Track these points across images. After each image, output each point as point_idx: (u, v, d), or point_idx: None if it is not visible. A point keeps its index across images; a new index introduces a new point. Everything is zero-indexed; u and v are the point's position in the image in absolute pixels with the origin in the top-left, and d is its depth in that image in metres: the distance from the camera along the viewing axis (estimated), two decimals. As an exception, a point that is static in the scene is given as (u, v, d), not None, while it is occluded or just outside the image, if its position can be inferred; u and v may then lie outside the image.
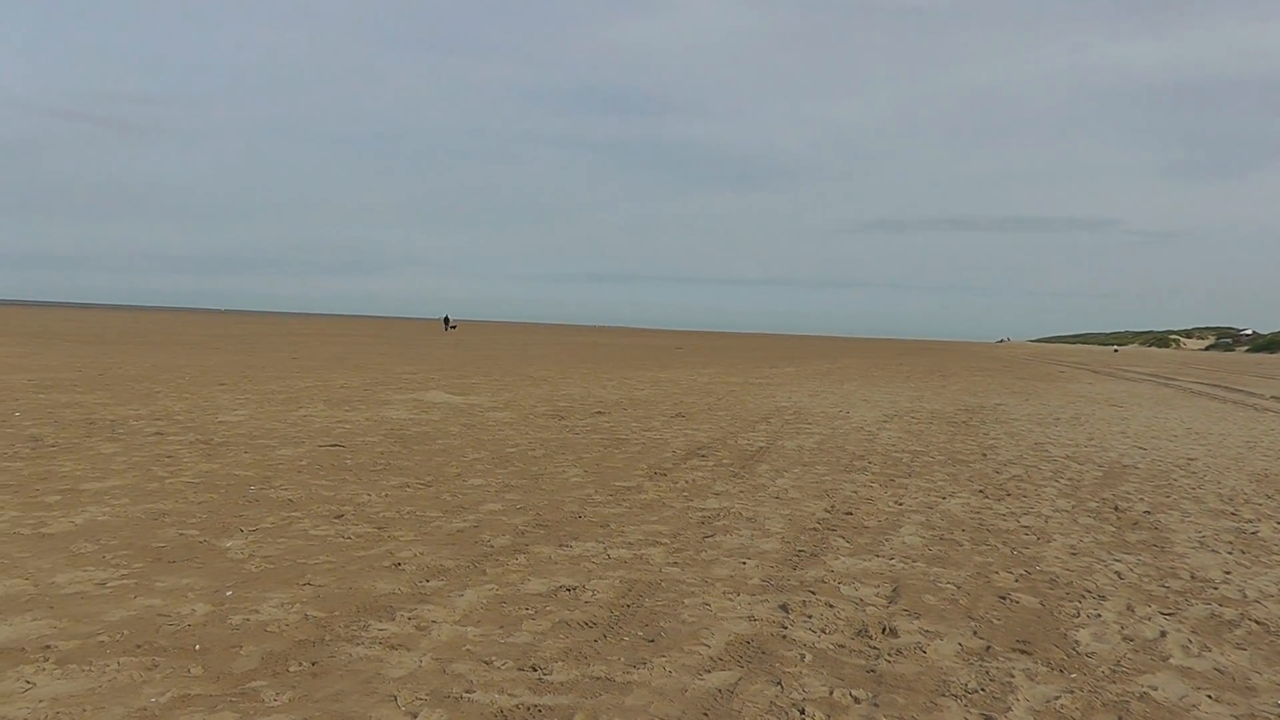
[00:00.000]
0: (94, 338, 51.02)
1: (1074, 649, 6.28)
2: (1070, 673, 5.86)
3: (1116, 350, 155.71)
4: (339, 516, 9.21)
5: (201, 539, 8.17)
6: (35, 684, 5.08)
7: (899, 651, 6.08)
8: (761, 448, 15.35)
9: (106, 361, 30.52)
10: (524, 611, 6.55)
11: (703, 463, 13.50)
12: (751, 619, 6.59)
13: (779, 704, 5.23)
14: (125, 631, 5.88)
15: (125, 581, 6.88)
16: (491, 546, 8.27)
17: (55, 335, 52.12)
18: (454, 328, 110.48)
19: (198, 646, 5.69)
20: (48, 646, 5.59)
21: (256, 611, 6.36)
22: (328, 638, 5.93)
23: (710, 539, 8.84)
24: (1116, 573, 8.18)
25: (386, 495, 10.29)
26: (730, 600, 6.99)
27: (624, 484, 11.54)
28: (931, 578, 7.80)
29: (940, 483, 12.51)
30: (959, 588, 7.54)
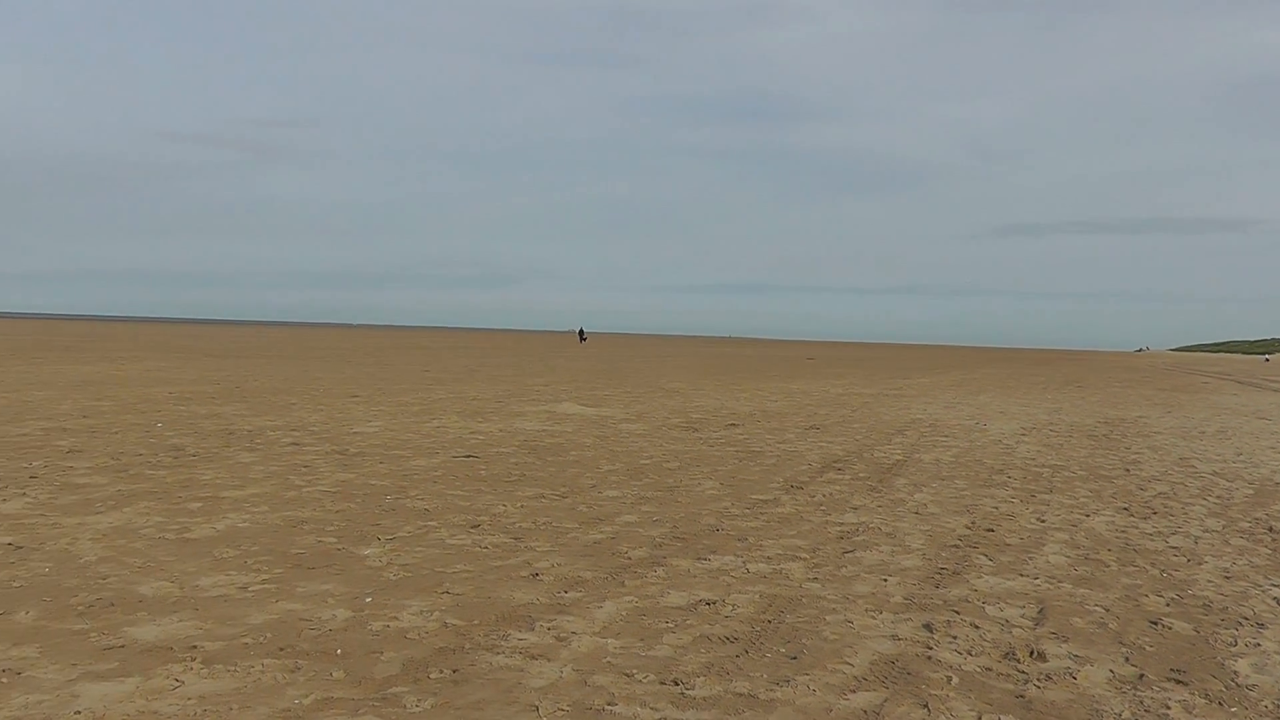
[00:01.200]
0: (229, 352, 53.04)
1: (1233, 680, 5.98)
2: (1230, 706, 5.57)
3: (1268, 359, 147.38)
4: (475, 526, 9.37)
5: (339, 546, 8.40)
6: (184, 682, 5.29)
7: (1048, 677, 5.90)
8: (898, 461, 15.13)
9: (242, 375, 31.68)
10: (664, 625, 6.56)
11: (839, 476, 13.37)
12: (895, 638, 6.47)
13: (928, 728, 5.12)
14: (268, 634, 6.08)
15: (266, 586, 7.12)
16: (629, 558, 8.31)
17: (193, 350, 54.35)
18: (585, 339, 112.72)
19: (339, 651, 5.85)
20: (194, 646, 5.82)
21: (396, 618, 6.50)
22: (468, 646, 6.02)
23: (850, 554, 8.73)
24: (1276, 599, 7.79)
25: (522, 506, 10.43)
26: (873, 618, 6.88)
27: (760, 497, 11.48)
28: (1078, 599, 7.56)
29: (1083, 499, 12.14)
30: (1108, 611, 7.28)
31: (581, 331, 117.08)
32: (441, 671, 5.58)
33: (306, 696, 5.15)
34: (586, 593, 7.24)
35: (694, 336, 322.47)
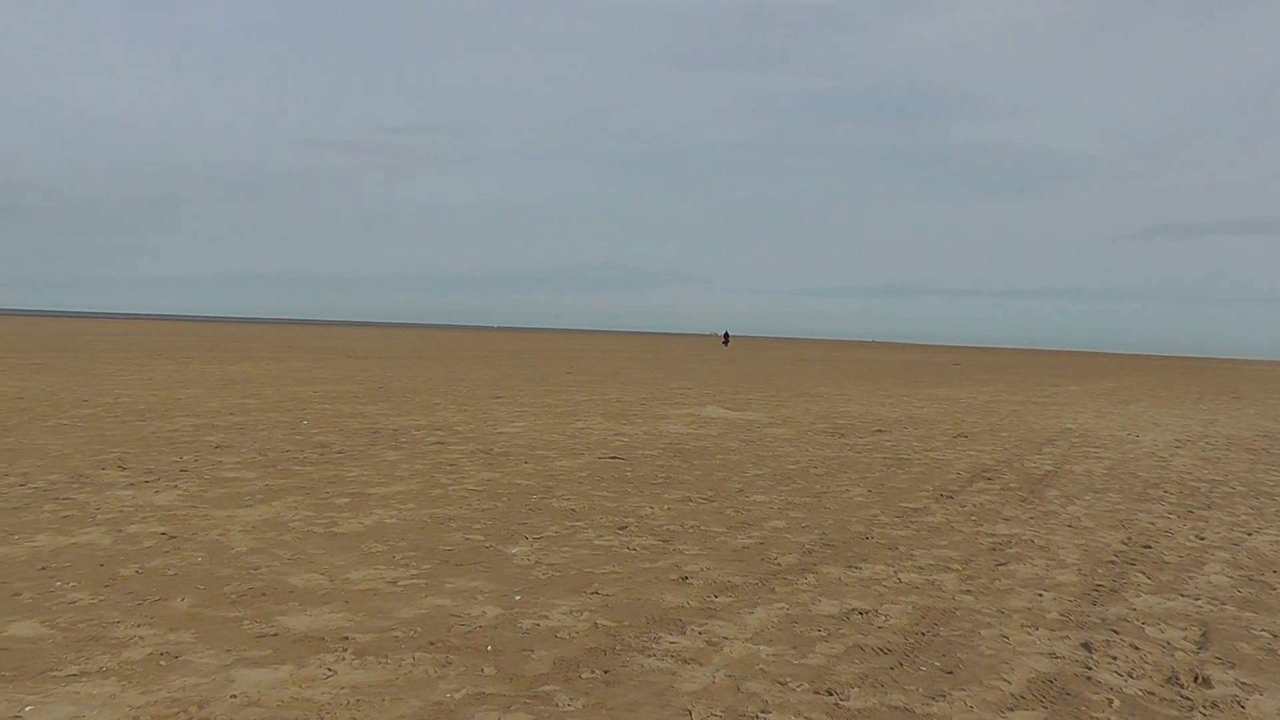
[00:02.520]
0: (372, 353, 54.51)
1: None
2: None
3: None
4: (622, 528, 9.42)
5: (487, 544, 8.53)
6: (336, 672, 5.43)
7: (1214, 704, 5.61)
8: (1049, 471, 14.71)
9: (386, 375, 32.52)
10: (816, 633, 6.48)
11: (989, 486, 13.06)
12: (1053, 656, 6.27)
13: (1099, 750, 4.94)
14: (418, 629, 6.20)
15: (415, 581, 7.27)
16: (779, 564, 8.24)
17: (336, 351, 56.04)
18: (728, 343, 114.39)
19: (489, 648, 5.92)
20: (346, 638, 5.97)
21: (546, 617, 6.56)
22: (618, 647, 6.04)
23: (1003, 567, 8.50)
24: None
25: (669, 509, 10.45)
26: (1029, 634, 6.68)
27: (910, 505, 11.29)
28: (1244, 623, 7.19)
29: (1244, 517, 11.58)
30: (1276, 636, 6.92)
31: (726, 335, 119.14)
32: (593, 671, 5.60)
33: (458, 691, 5.22)
34: (737, 598, 7.20)
35: (835, 340, 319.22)
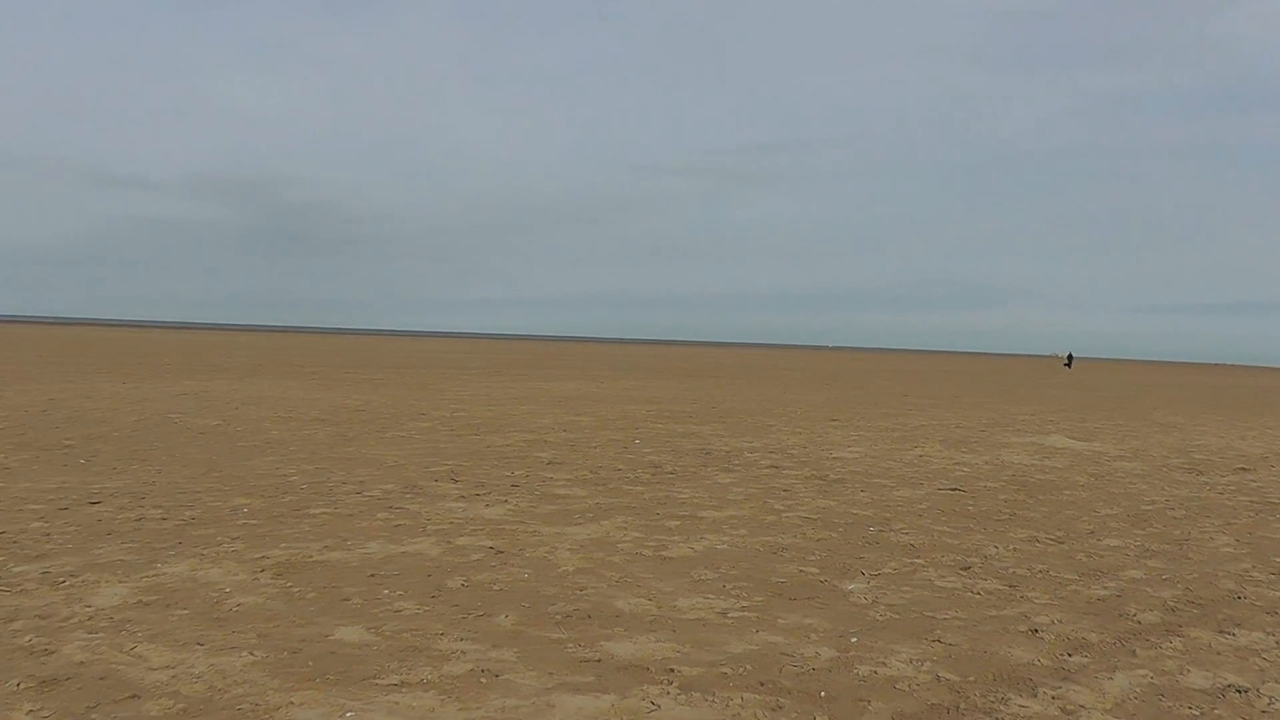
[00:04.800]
0: (706, 372, 55.32)
1: None
2: None
3: None
4: (965, 568, 8.91)
5: (821, 578, 8.25)
6: (660, 706, 5.30)
7: None
8: None
9: (719, 395, 32.81)
10: (1188, 711, 5.77)
11: None
12: None
13: None
14: (748, 666, 5.99)
15: (746, 614, 7.07)
16: (1138, 622, 7.50)
17: (668, 370, 57.24)
18: (1071, 365, 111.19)
19: (823, 694, 5.64)
20: (671, 670, 5.84)
21: (884, 664, 6.21)
22: (963, 706, 5.61)
23: None
24: None
25: (1014, 549, 9.83)
26: None
27: (1291, 562, 10.11)
28: None
29: None
30: None
31: (1069, 356, 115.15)
32: (938, 730, 5.22)
33: (790, 738, 4.97)
34: (1093, 658, 6.58)
35: (1185, 363, 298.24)
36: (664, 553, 8.83)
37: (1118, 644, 6.93)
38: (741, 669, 5.93)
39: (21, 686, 5.32)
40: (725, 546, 9.20)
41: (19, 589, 7.12)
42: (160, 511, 9.95)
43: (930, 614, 7.38)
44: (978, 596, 7.97)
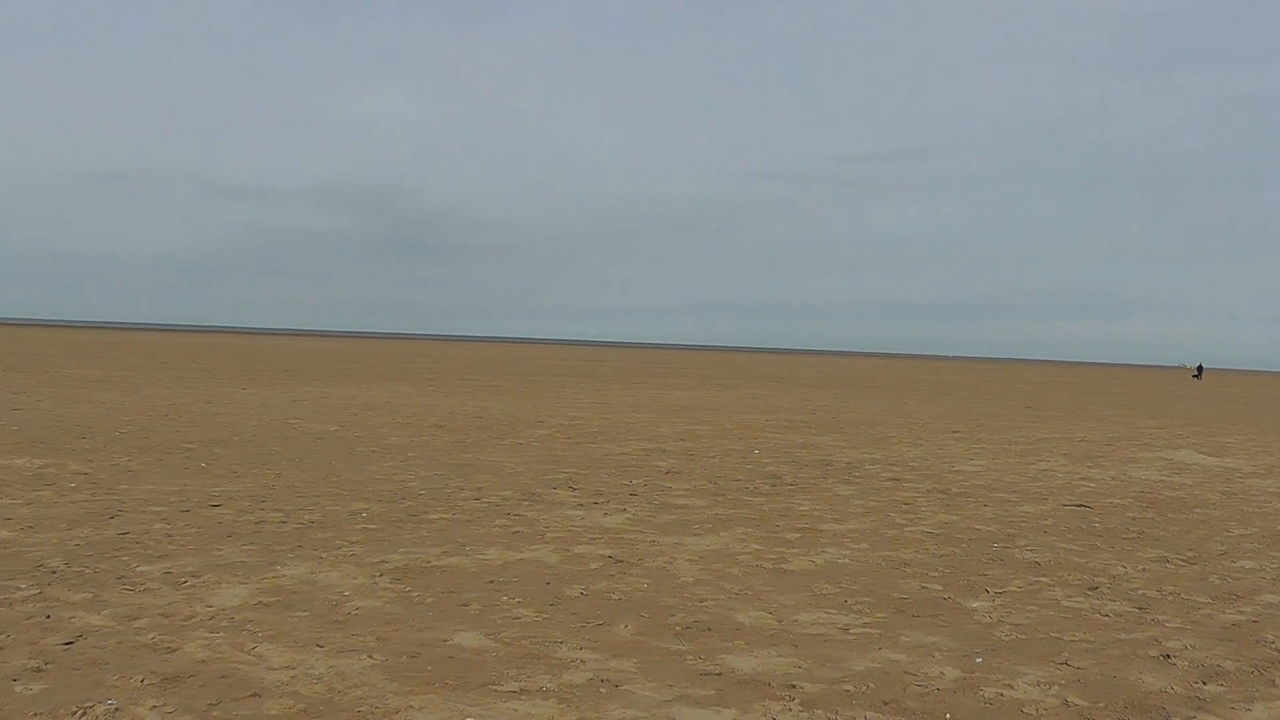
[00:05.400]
0: (823, 381, 54.92)
1: None
2: None
3: None
4: (1093, 589, 8.66)
5: (945, 595, 8.09)
6: (781, 724, 5.24)
7: None
8: None
9: (838, 405, 32.54)
10: (1337, 744, 5.55)
11: None
12: None
13: None
14: (870, 684, 5.90)
15: (868, 630, 6.97)
16: (1276, 650, 7.21)
17: (788, 379, 56.95)
18: (1200, 376, 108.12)
19: (948, 715, 5.52)
20: (793, 686, 5.77)
21: (1010, 687, 6.06)
22: (1096, 733, 5.46)
23: None
24: None
25: (1144, 569, 9.53)
26: None
27: None
28: None
29: None
30: None
31: (1199, 368, 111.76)
32: (1071, 756, 5.08)
33: (915, 760, 4.88)
34: (1229, 687, 6.31)
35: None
36: (784, 565, 8.76)
37: (1255, 673, 6.65)
38: (864, 687, 5.84)
39: (145, 682, 5.46)
40: (846, 560, 9.10)
41: (142, 588, 7.33)
42: (280, 515, 10.17)
43: (1057, 635, 7.19)
44: (1106, 618, 7.74)
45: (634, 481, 13.14)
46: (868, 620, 7.22)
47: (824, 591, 7.94)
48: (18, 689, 5.31)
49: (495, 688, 5.53)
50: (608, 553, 8.93)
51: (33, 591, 7.15)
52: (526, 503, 11.26)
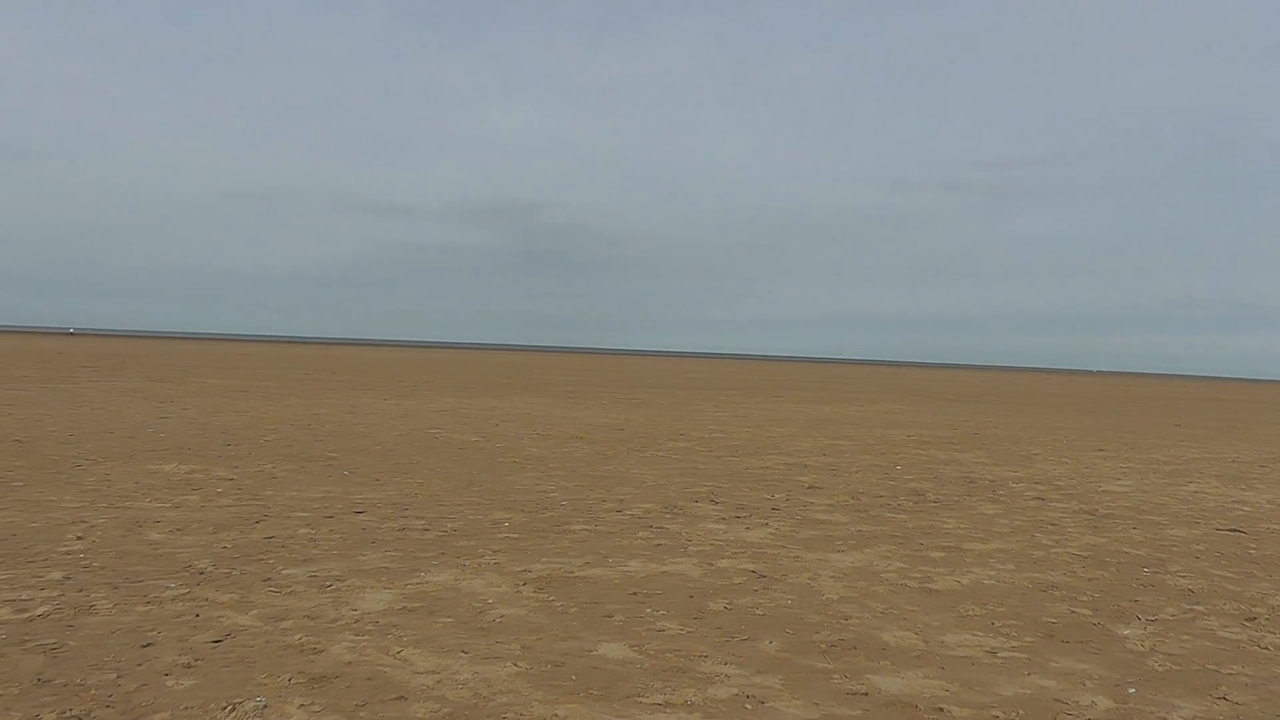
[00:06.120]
0: (966, 396, 54.02)
1: None
2: None
3: None
4: (1250, 619, 8.37)
5: (1094, 621, 7.92)
6: (932, 748, 5.20)
7: None
8: None
9: (979, 421, 31.97)
10: None
11: None
12: None
13: None
14: (1020, 711, 5.81)
15: (1016, 655, 6.87)
16: None
17: (929, 393, 56.16)
18: None
19: (1101, 742, 5.43)
20: (940, 709, 5.72)
21: (1165, 719, 5.92)
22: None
23: None
24: None
25: (1307, 600, 9.19)
26: None
27: None
28: None
29: None
30: None
31: None
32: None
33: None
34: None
35: None
36: (929, 585, 8.67)
37: None
38: (1014, 714, 5.75)
39: (292, 681, 5.65)
40: (992, 581, 8.96)
41: (288, 591, 7.59)
42: (422, 522, 10.41)
43: (1214, 667, 6.98)
44: (1265, 651, 7.48)
45: (776, 496, 13.13)
46: (1015, 644, 7.11)
47: (970, 613, 7.84)
48: (169, 683, 5.55)
49: (640, 699, 5.60)
50: (751, 567, 8.95)
51: (181, 591, 7.46)
52: (668, 515, 11.34)
